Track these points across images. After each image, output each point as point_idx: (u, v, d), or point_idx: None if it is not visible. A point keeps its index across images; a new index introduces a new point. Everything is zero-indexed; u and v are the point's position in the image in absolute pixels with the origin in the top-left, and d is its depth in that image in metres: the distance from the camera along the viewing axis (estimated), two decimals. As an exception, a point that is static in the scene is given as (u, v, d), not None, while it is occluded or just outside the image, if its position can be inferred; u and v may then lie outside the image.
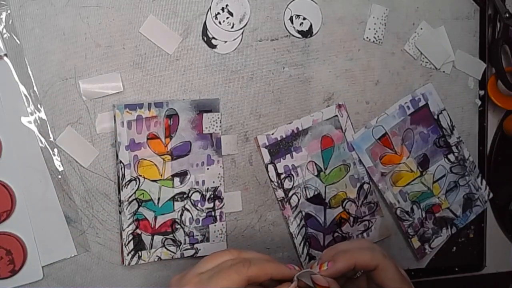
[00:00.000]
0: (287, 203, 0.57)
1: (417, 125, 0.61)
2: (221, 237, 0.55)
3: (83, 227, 0.52)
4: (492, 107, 0.65)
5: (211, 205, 0.54)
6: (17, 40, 0.48)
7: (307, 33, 0.57)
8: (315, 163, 0.57)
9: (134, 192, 0.52)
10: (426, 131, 0.61)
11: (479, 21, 0.63)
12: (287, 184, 0.56)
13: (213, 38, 0.54)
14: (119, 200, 0.52)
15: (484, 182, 0.65)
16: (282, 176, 0.56)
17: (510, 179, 0.67)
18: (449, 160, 0.62)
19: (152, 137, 0.52)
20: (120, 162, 0.51)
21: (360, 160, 0.59)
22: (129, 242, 0.52)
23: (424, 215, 0.61)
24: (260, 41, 0.55)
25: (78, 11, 0.50)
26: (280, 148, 0.56)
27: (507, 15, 0.61)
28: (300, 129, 0.57)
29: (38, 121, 0.50)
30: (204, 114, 0.54)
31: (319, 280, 0.39)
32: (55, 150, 0.50)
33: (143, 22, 0.51)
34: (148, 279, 0.54)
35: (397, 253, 0.62)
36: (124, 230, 0.52)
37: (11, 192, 0.49)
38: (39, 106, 0.49)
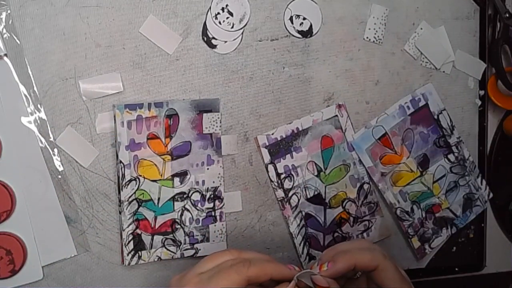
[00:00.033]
0: (287, 203, 0.57)
1: (417, 125, 0.61)
2: (221, 237, 0.55)
3: (83, 227, 0.52)
4: (492, 107, 0.65)
5: (211, 205, 0.54)
6: (17, 40, 0.48)
7: (307, 33, 0.57)
8: (315, 163, 0.57)
9: (134, 192, 0.52)
10: (426, 131, 0.61)
11: (479, 21, 0.63)
12: (287, 184, 0.56)
13: (213, 38, 0.54)
14: (119, 200, 0.52)
15: (484, 182, 0.65)
16: (282, 176, 0.56)
17: (510, 179, 0.67)
18: (449, 160, 0.62)
19: (152, 137, 0.52)
20: (120, 162, 0.51)
21: (360, 160, 0.59)
22: (129, 242, 0.52)
23: (424, 215, 0.61)
24: (260, 41, 0.55)
25: (78, 11, 0.50)
26: (280, 148, 0.56)
27: (507, 15, 0.61)
28: (300, 129, 0.57)
29: (38, 121, 0.50)
30: (204, 114, 0.54)
31: (319, 280, 0.39)
32: (55, 150, 0.50)
33: (143, 22, 0.51)
34: (148, 279, 0.54)
35: (397, 253, 0.62)
36: (124, 230, 0.52)
37: (11, 192, 0.49)
38: (39, 106, 0.49)
